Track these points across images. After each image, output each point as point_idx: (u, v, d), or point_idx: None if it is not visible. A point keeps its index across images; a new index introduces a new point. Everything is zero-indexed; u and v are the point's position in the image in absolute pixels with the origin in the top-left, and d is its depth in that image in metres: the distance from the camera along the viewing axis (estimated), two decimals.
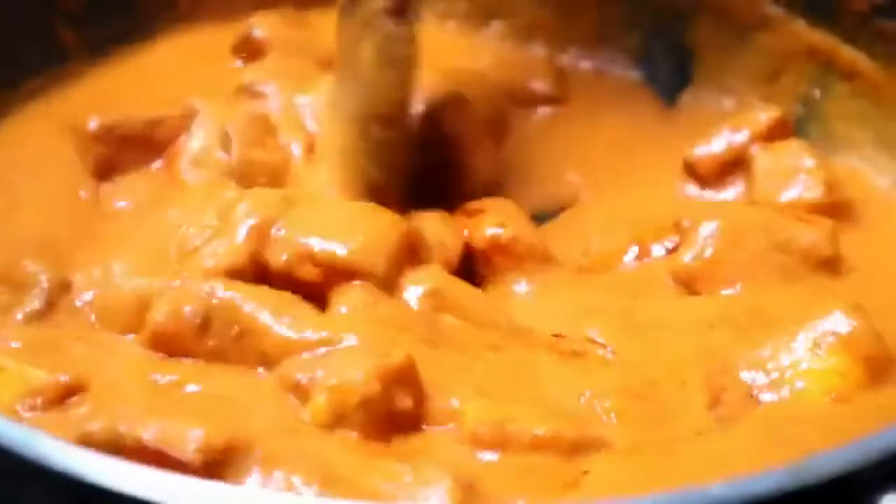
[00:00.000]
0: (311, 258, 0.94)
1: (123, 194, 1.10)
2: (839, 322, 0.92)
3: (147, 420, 0.79)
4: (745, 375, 0.92)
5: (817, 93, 1.23)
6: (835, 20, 1.21)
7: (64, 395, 0.86)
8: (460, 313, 0.96)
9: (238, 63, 1.24)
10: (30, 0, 1.22)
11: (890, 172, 1.18)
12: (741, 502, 0.67)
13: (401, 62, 1.07)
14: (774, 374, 0.91)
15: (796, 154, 1.13)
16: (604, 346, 0.95)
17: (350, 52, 1.07)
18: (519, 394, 0.89)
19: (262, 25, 1.24)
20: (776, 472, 0.68)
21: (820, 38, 1.22)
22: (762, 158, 1.14)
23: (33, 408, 0.86)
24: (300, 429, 0.83)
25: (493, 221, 1.04)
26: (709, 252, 1.02)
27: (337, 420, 0.83)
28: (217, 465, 0.78)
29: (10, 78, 1.20)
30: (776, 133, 1.16)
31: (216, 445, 0.78)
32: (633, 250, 1.07)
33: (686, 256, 1.02)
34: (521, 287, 1.03)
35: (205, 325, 0.90)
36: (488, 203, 1.07)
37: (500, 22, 1.34)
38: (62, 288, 0.97)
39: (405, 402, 0.85)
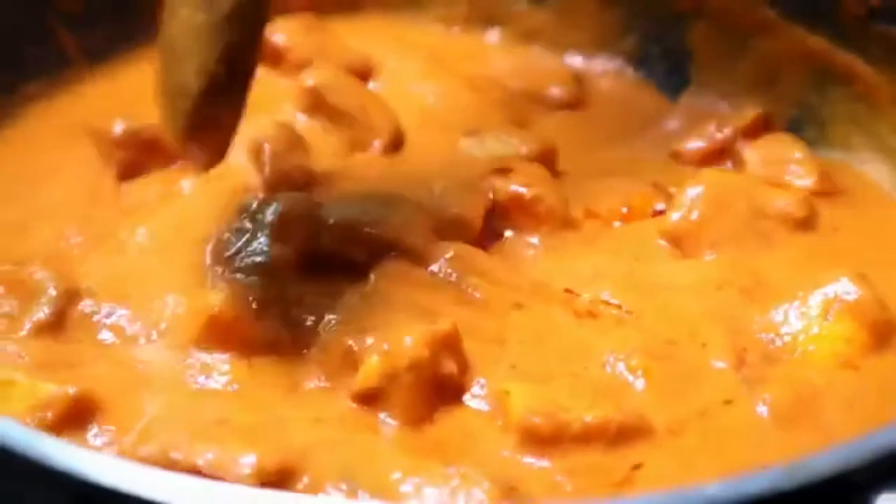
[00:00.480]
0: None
1: (139, 197, 1.11)
2: (847, 289, 0.95)
3: (198, 447, 0.82)
4: (762, 337, 0.95)
5: (814, 97, 1.24)
6: (832, 24, 1.21)
7: (73, 409, 0.87)
8: (483, 276, 1.00)
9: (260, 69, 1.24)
10: (28, 3, 1.23)
11: (886, 175, 1.18)
12: (737, 502, 0.68)
13: None
14: (787, 338, 0.95)
15: (785, 145, 1.16)
16: (618, 306, 0.98)
17: None
18: (550, 363, 0.93)
19: (282, 31, 1.25)
20: (772, 471, 0.69)
21: (817, 43, 1.23)
22: (752, 151, 1.16)
23: (43, 422, 0.86)
24: (344, 427, 0.87)
25: (519, 180, 1.07)
26: (695, 214, 1.05)
27: (387, 382, 0.87)
28: (270, 486, 0.80)
29: (10, 81, 1.21)
30: (761, 128, 1.18)
31: (269, 469, 0.81)
32: (622, 211, 1.11)
33: (674, 217, 1.06)
34: (532, 247, 1.06)
35: (262, 311, 0.94)
36: (521, 164, 1.10)
37: (500, 28, 1.35)
38: (70, 296, 0.97)
39: (450, 367, 0.90)
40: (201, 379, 0.91)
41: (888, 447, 0.70)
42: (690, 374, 0.92)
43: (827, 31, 1.21)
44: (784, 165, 1.13)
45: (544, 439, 0.86)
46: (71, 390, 0.87)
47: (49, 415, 0.86)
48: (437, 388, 0.89)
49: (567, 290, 1.00)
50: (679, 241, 1.05)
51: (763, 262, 1.02)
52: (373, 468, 0.83)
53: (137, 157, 1.13)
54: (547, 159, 1.13)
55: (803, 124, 1.23)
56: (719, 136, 1.18)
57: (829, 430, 0.88)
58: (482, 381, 0.91)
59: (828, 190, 1.12)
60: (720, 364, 0.93)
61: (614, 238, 1.07)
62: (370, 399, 0.88)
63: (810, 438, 0.87)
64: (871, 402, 0.90)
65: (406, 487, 0.81)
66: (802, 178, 1.12)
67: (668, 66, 1.31)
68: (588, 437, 0.86)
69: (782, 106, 1.24)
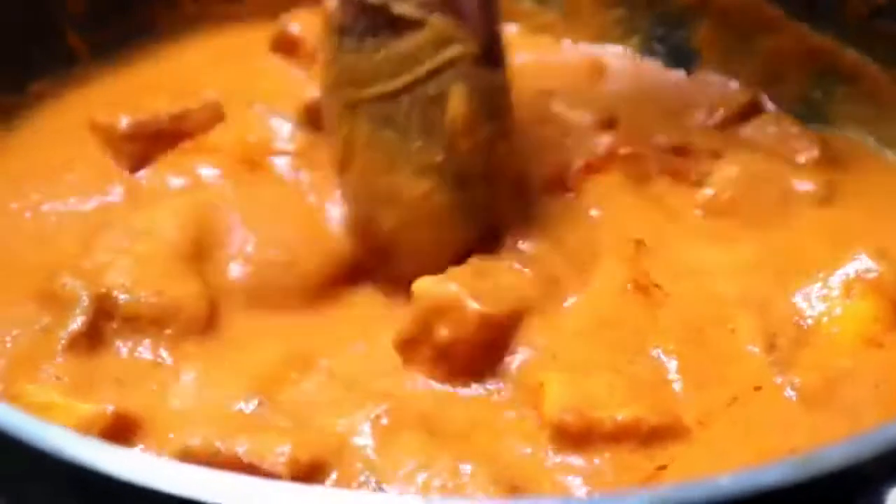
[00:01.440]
0: None
1: (156, 185, 1.11)
2: (867, 266, 0.95)
3: (239, 437, 0.85)
4: (791, 320, 0.95)
5: (818, 94, 1.24)
6: (836, 23, 1.21)
7: (114, 426, 0.88)
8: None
9: (276, 59, 1.27)
10: (37, 3, 1.23)
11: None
12: (750, 494, 0.68)
13: (500, 112, 1.04)
14: (811, 321, 0.95)
15: (779, 123, 1.18)
16: (657, 286, 0.99)
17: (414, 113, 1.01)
18: (588, 350, 0.94)
19: (297, 22, 1.27)
20: (785, 463, 0.69)
21: (821, 41, 1.23)
22: (748, 131, 1.18)
23: None
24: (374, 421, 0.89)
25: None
26: (728, 194, 1.08)
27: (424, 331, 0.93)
28: (304, 477, 0.83)
29: (18, 80, 1.21)
30: (752, 111, 1.21)
31: (302, 460, 0.84)
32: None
33: (709, 193, 1.09)
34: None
35: None
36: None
37: (514, 24, 1.35)
38: (102, 300, 0.96)
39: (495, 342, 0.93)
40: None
41: None
42: (721, 359, 0.93)
43: (831, 29, 1.22)
44: (784, 142, 1.16)
45: (575, 437, 0.86)
46: (109, 408, 0.88)
47: (94, 434, 0.86)
48: (477, 347, 0.92)
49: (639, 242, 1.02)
50: (717, 217, 1.08)
51: (792, 242, 1.03)
52: (394, 461, 0.85)
53: (145, 147, 1.13)
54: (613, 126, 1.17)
55: (807, 121, 1.23)
56: (710, 122, 1.20)
57: (857, 413, 0.88)
58: (518, 363, 0.93)
59: (832, 159, 1.14)
60: (751, 348, 0.94)
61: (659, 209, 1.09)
62: (409, 347, 0.93)
63: (839, 422, 0.88)
64: None
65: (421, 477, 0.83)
66: (805, 150, 1.14)
67: (673, 64, 1.31)
68: (619, 436, 0.86)
69: (786, 103, 1.24)
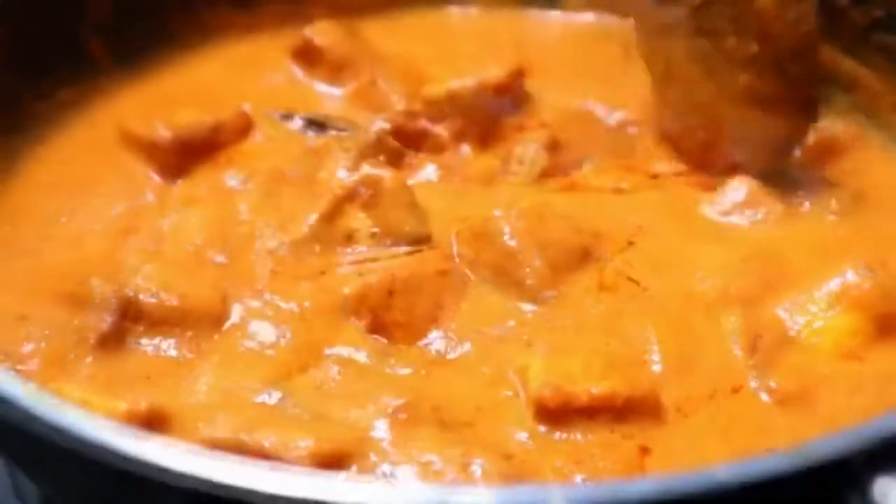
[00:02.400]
0: None
1: (190, 195, 1.14)
2: (854, 280, 0.97)
3: (264, 430, 0.88)
4: (775, 324, 0.97)
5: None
6: (835, 34, 1.23)
7: (149, 422, 0.90)
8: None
9: (296, 69, 1.30)
10: (61, 12, 1.25)
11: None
12: (745, 484, 0.70)
13: None
14: (796, 329, 0.97)
15: None
16: (636, 282, 1.01)
17: None
18: (571, 336, 0.97)
19: (319, 32, 1.29)
20: (776, 455, 0.72)
21: (821, 51, 1.24)
22: None
23: None
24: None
25: None
26: (731, 205, 1.09)
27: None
28: (325, 470, 0.85)
29: (42, 89, 1.23)
30: None
31: (324, 453, 0.87)
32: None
33: (722, 203, 1.10)
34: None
35: None
36: None
37: None
38: (130, 303, 0.99)
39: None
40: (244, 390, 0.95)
41: (887, 432, 0.72)
42: (702, 348, 0.95)
43: (830, 40, 1.22)
44: None
45: (553, 412, 0.89)
46: (143, 404, 0.90)
47: None
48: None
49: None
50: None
51: (792, 247, 1.04)
52: (409, 456, 0.88)
53: (182, 158, 1.16)
54: None
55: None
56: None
57: (832, 418, 0.90)
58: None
59: (827, 147, 1.17)
60: (733, 346, 0.96)
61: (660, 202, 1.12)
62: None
63: (814, 425, 0.90)
64: (874, 391, 0.92)
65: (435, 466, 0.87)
66: None
67: None
68: (595, 409, 0.89)
69: None
